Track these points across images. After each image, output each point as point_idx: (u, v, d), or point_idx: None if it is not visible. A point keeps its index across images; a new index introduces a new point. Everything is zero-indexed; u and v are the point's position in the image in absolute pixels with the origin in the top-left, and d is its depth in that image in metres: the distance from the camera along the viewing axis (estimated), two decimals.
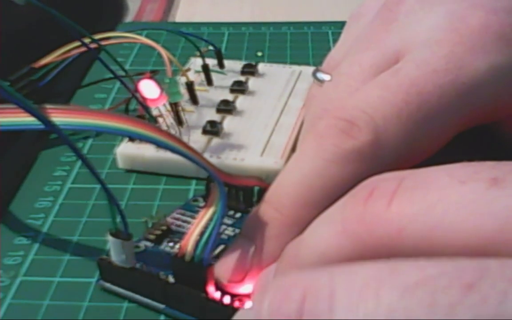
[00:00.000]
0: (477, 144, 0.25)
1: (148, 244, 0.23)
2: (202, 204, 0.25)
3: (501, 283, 0.11)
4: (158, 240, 0.23)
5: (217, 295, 0.20)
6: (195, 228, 0.19)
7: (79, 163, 0.30)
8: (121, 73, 0.30)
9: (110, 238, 0.21)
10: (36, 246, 0.25)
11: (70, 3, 0.40)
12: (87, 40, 0.28)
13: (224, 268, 0.20)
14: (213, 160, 0.28)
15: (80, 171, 0.29)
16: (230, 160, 0.28)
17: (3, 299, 0.22)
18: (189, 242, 0.19)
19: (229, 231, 0.23)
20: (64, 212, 0.27)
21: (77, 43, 0.30)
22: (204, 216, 0.19)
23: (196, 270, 0.19)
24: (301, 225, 0.18)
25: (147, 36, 0.33)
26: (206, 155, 0.28)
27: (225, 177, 0.20)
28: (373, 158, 0.18)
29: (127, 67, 0.38)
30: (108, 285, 0.22)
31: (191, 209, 0.25)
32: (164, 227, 0.23)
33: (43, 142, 0.31)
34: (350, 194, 0.15)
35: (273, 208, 0.19)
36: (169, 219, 0.24)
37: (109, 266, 0.21)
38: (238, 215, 0.24)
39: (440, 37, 0.20)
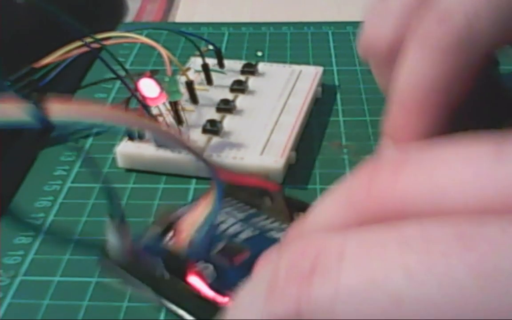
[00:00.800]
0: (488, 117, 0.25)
1: (148, 240, 0.23)
2: None
3: (500, 243, 0.11)
4: (159, 237, 0.23)
5: (211, 294, 0.20)
6: (189, 224, 0.19)
7: (79, 162, 0.30)
8: (121, 72, 0.30)
9: (108, 222, 0.21)
10: (36, 245, 0.25)
11: (70, 3, 0.40)
12: (88, 39, 0.28)
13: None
14: (213, 159, 0.28)
15: (80, 171, 0.29)
16: (230, 159, 0.28)
17: (3, 298, 0.22)
18: (182, 237, 0.19)
19: (237, 227, 0.23)
20: (64, 211, 0.27)
21: (78, 43, 0.30)
22: (199, 212, 0.19)
23: (183, 264, 0.20)
24: (426, 112, 0.21)
25: (147, 36, 0.33)
26: (206, 154, 0.28)
27: (227, 175, 0.20)
28: (469, 42, 0.20)
29: (127, 67, 0.38)
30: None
31: None
32: (165, 225, 0.23)
33: (43, 141, 0.31)
34: (356, 170, 0.15)
35: (399, 107, 0.22)
36: (171, 217, 0.24)
37: (108, 262, 0.21)
38: (251, 210, 0.24)
39: None
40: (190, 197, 0.27)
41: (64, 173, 0.29)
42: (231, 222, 0.23)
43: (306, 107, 0.31)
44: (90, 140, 0.31)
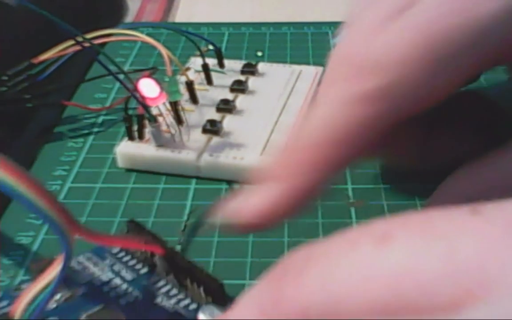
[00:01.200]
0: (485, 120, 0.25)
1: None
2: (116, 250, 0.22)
3: None
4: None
5: None
6: (29, 292, 0.17)
7: (79, 162, 0.30)
8: (120, 73, 0.30)
9: None
10: (36, 245, 0.25)
11: (70, 3, 0.40)
12: (81, 40, 0.28)
13: (239, 208, 0.20)
14: (213, 159, 0.28)
15: (80, 171, 0.29)
16: (230, 159, 0.28)
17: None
18: (20, 307, 0.17)
19: (122, 289, 0.20)
20: None
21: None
22: (42, 280, 0.17)
23: None
24: (316, 166, 0.19)
25: (147, 35, 0.33)
26: (206, 155, 0.28)
27: (87, 235, 0.17)
28: (383, 102, 0.19)
29: (127, 66, 0.38)
30: None
31: (101, 254, 0.22)
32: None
33: (43, 141, 0.31)
34: (269, 274, 0.15)
35: (295, 151, 0.20)
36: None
37: None
38: (143, 270, 0.21)
39: None
40: (190, 197, 0.27)
41: (64, 173, 0.29)
42: (116, 283, 0.20)
43: (306, 107, 0.31)
44: (90, 140, 0.31)
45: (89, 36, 0.30)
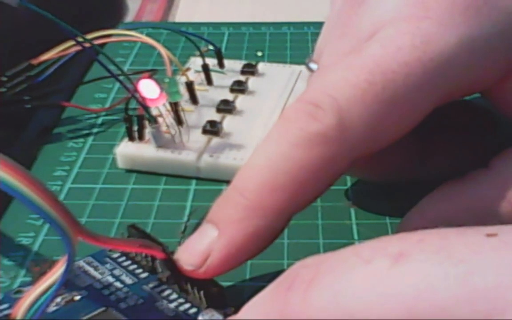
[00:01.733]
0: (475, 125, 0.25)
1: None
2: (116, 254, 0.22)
3: None
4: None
5: None
6: (31, 294, 0.17)
7: (79, 163, 0.30)
8: (120, 75, 0.30)
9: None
10: (36, 246, 0.25)
11: (70, 3, 0.40)
12: (81, 40, 0.28)
13: (185, 253, 0.19)
14: (213, 159, 0.28)
15: (80, 171, 0.29)
16: (230, 159, 0.28)
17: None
18: (21, 308, 0.17)
19: (122, 293, 0.20)
20: None
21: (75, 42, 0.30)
22: (44, 282, 0.17)
23: None
24: (266, 210, 0.18)
25: (147, 35, 0.33)
26: (206, 155, 0.28)
27: (90, 238, 0.17)
28: (338, 141, 0.18)
29: (127, 66, 0.38)
30: None
31: (101, 259, 0.22)
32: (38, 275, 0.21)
33: (43, 142, 0.31)
34: (275, 283, 0.15)
35: (238, 192, 0.19)
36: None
37: None
38: (143, 274, 0.21)
39: (407, 13, 0.19)
40: (190, 198, 0.27)
41: (64, 173, 0.29)
42: (116, 287, 0.20)
43: None
44: (89, 141, 0.31)
45: (89, 36, 0.30)
